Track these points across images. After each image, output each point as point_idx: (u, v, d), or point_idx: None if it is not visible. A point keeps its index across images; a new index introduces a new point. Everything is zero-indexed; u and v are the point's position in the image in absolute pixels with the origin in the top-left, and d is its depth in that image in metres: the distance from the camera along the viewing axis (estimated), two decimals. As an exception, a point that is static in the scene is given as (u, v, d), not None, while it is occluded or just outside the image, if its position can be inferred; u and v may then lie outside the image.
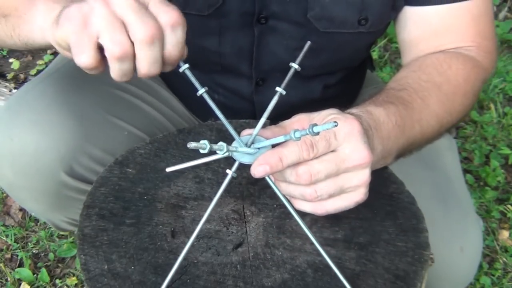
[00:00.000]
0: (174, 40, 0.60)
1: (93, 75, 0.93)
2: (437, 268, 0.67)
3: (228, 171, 0.62)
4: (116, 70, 0.60)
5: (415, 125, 0.75)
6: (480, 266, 1.49)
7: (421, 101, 0.77)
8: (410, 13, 0.89)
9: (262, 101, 0.97)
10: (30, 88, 0.90)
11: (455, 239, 0.86)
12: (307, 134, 0.57)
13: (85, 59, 0.59)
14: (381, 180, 0.74)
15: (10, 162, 0.84)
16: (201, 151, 0.57)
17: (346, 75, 1.02)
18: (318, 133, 0.56)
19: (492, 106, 1.93)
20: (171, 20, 0.59)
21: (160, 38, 0.59)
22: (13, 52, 2.21)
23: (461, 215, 0.88)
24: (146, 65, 0.60)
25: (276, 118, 0.69)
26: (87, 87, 0.90)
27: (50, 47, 0.68)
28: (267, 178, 0.63)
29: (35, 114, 0.83)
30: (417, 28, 0.90)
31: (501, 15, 2.32)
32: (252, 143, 0.64)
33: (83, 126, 0.85)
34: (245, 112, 0.98)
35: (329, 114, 0.66)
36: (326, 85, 0.99)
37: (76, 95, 0.87)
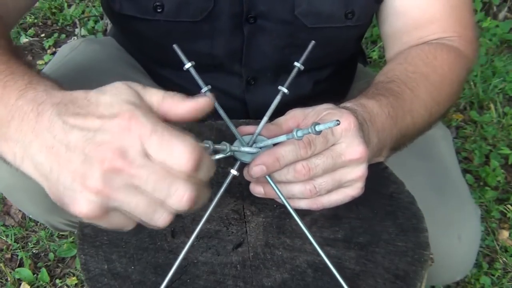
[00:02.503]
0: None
1: (92, 76, 0.93)
2: (436, 257, 0.67)
3: (230, 170, 0.62)
4: None
5: (406, 115, 0.75)
6: (480, 266, 1.49)
7: (411, 92, 0.77)
8: (390, 5, 0.90)
9: (254, 100, 0.97)
10: None
11: (452, 227, 0.86)
12: (309, 133, 0.56)
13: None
14: (381, 180, 0.74)
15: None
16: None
17: (336, 70, 1.02)
18: (320, 132, 0.56)
19: (492, 106, 1.93)
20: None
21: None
22: (13, 52, 2.21)
23: (458, 203, 0.89)
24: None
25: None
26: (85, 89, 0.90)
27: None
28: (267, 178, 0.63)
29: None
30: (398, 21, 0.90)
31: (501, 15, 2.32)
32: (254, 142, 0.64)
33: None
34: (238, 112, 0.98)
35: (324, 109, 0.66)
36: (316, 81, 0.99)
37: None
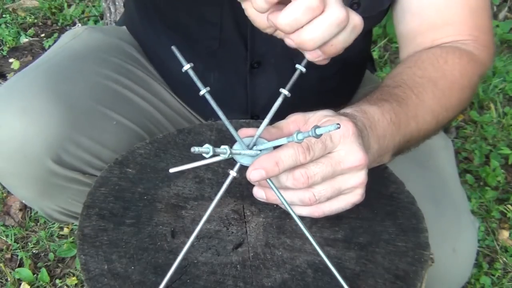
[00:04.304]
0: (346, 38, 0.61)
1: (86, 65, 0.93)
2: (430, 269, 0.67)
3: (230, 171, 0.62)
4: (292, 19, 0.59)
5: (410, 121, 0.75)
6: (480, 266, 1.49)
7: (416, 98, 0.77)
8: (407, 5, 0.89)
9: (256, 85, 0.97)
10: (21, 76, 0.90)
11: (447, 240, 0.85)
12: (310, 136, 0.57)
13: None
14: (381, 180, 0.74)
15: None
16: (205, 155, 0.58)
17: (343, 69, 1.02)
18: (320, 135, 0.56)
19: (492, 106, 1.93)
20: (357, 22, 0.61)
21: (343, 28, 0.59)
22: (13, 52, 2.22)
23: (454, 216, 0.88)
24: (318, 33, 0.59)
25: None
26: (77, 77, 0.91)
27: None
28: (269, 182, 0.63)
29: (24, 102, 0.84)
30: (414, 21, 0.90)
31: (501, 15, 2.32)
32: (254, 144, 0.64)
33: (72, 115, 0.85)
34: (239, 98, 0.98)
35: (324, 116, 0.66)
36: (322, 77, 0.99)
37: (66, 85, 0.88)
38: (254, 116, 1.00)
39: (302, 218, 0.63)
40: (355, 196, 0.65)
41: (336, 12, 0.58)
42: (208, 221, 0.68)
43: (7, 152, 0.84)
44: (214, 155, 0.59)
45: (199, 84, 0.61)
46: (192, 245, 0.65)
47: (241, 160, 0.63)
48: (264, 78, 0.96)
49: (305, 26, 0.59)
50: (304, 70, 0.63)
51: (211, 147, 0.57)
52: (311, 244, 0.61)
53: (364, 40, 1.04)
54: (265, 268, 0.64)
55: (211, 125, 0.85)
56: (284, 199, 0.63)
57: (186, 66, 0.61)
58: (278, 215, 0.70)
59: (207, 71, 0.97)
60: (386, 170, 0.76)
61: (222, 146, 0.60)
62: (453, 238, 0.86)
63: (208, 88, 0.61)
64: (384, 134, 0.70)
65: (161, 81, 1.04)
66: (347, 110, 0.70)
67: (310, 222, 0.68)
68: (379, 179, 0.74)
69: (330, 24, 0.58)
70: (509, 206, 1.63)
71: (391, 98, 0.75)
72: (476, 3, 0.88)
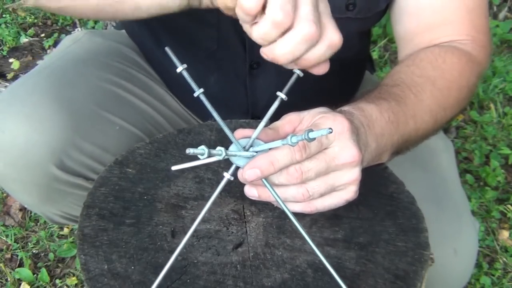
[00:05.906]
0: (320, 54, 0.61)
1: (87, 69, 0.93)
2: (430, 270, 0.67)
3: (225, 173, 0.62)
4: (262, 33, 0.59)
5: (409, 121, 0.75)
6: (480, 266, 1.49)
7: (415, 97, 0.77)
8: (404, 5, 0.89)
9: (256, 86, 0.97)
10: (23, 81, 0.90)
11: (448, 241, 0.85)
12: (303, 139, 0.57)
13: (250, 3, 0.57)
14: (381, 180, 0.74)
15: (1, 154, 0.84)
16: (200, 157, 0.58)
17: (341, 70, 1.02)
18: (314, 139, 0.57)
19: (492, 106, 1.93)
20: (333, 39, 0.60)
21: (314, 43, 0.59)
22: (13, 52, 2.22)
23: (455, 217, 0.88)
24: (287, 49, 0.59)
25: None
26: (79, 82, 0.91)
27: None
28: (263, 180, 0.63)
29: (26, 107, 0.84)
30: (411, 21, 0.89)
31: (501, 15, 2.32)
32: (251, 146, 0.64)
33: (74, 120, 0.85)
34: (239, 100, 0.98)
35: (318, 113, 0.66)
36: (320, 77, 0.99)
37: (68, 90, 0.88)
38: (255, 117, 1.00)
39: (295, 214, 0.63)
40: (349, 193, 0.65)
41: (305, 28, 0.57)
42: (208, 221, 0.69)
43: (9, 157, 0.84)
44: (209, 156, 0.59)
45: (193, 85, 0.61)
46: (192, 245, 0.65)
47: (237, 162, 0.63)
48: (263, 79, 0.96)
49: (277, 41, 0.59)
50: (301, 74, 0.63)
51: (206, 149, 0.57)
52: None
53: (362, 41, 1.04)
54: (265, 268, 0.64)
55: (211, 125, 0.85)
56: (278, 196, 0.63)
57: (180, 68, 0.61)
58: (278, 215, 0.70)
59: (207, 73, 0.97)
60: (386, 170, 0.76)
61: (218, 148, 0.60)
62: (454, 239, 0.86)
63: (202, 90, 0.61)
64: (382, 133, 0.70)
65: (162, 84, 1.04)
66: (345, 107, 0.70)
67: (310, 222, 0.68)
68: (379, 179, 0.74)
69: (298, 40, 0.58)
70: (509, 206, 1.63)
71: (389, 97, 0.74)
72: (473, 3, 0.88)
